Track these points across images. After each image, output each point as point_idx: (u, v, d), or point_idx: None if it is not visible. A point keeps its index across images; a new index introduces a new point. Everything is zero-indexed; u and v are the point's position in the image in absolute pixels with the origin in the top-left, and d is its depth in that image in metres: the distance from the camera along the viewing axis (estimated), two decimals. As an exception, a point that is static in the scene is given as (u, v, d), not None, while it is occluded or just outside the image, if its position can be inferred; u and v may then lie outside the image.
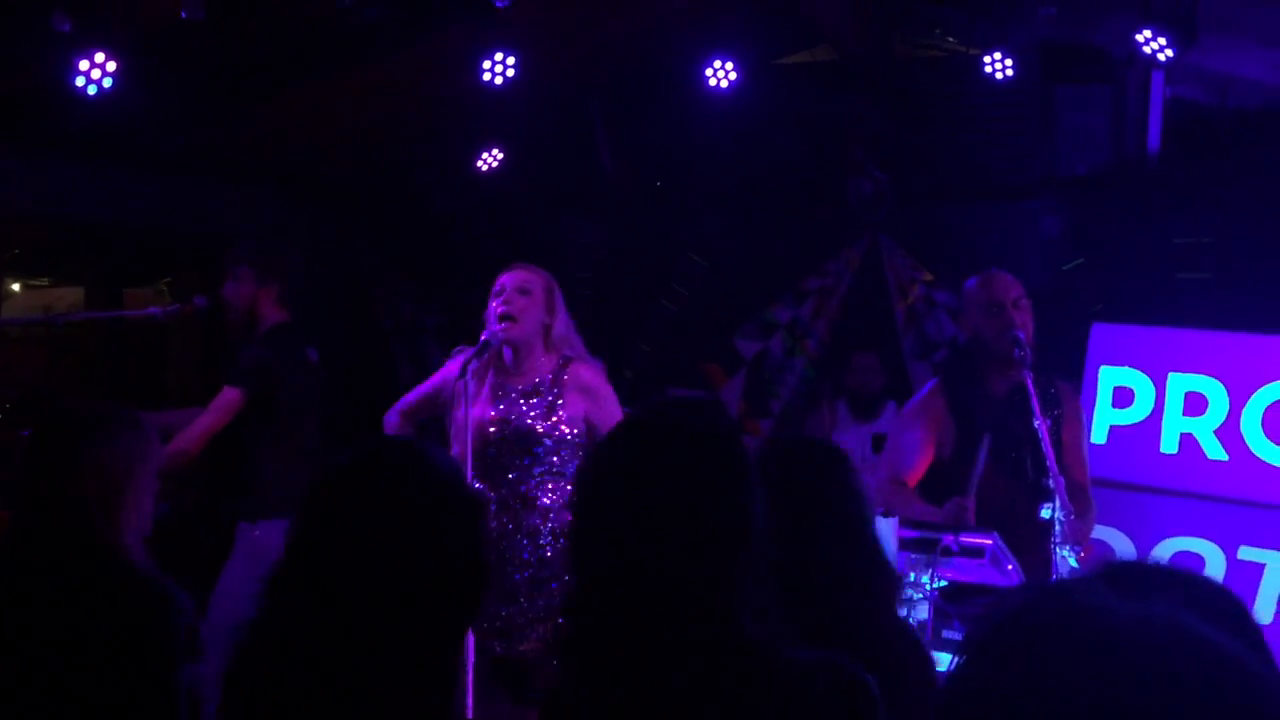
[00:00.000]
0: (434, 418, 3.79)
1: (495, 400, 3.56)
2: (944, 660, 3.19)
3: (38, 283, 7.52)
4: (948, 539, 3.15)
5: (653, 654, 1.58)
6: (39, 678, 2.17)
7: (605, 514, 1.66)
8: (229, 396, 3.98)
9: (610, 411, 3.58)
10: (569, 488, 3.53)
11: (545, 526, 3.52)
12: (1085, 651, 0.74)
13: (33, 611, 2.23)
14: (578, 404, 3.56)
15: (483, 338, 3.53)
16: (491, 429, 3.54)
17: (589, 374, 3.61)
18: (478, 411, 3.50)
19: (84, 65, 4.78)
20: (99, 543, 2.29)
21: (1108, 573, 0.85)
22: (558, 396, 3.55)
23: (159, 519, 2.50)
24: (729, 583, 1.60)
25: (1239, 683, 0.72)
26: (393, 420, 3.76)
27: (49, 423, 2.43)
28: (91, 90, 4.82)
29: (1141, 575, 0.85)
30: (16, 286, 7.34)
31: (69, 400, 2.75)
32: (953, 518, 3.38)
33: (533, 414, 3.54)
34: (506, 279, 3.62)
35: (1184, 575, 0.87)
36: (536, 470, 3.53)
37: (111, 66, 4.81)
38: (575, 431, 3.56)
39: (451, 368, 3.62)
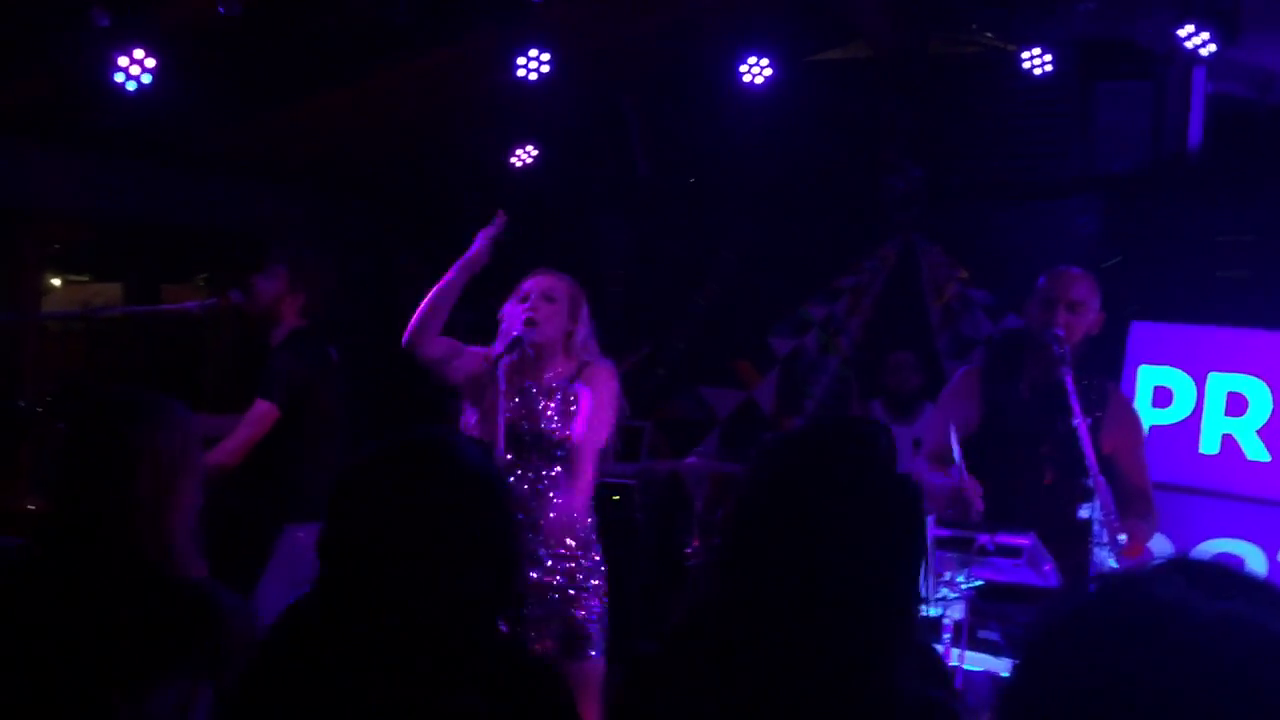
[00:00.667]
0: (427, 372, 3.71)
1: (512, 397, 3.55)
2: (978, 660, 3.16)
3: (78, 279, 7.61)
4: (983, 538, 3.12)
5: (764, 675, 1.52)
6: (68, 694, 1.92)
7: (766, 533, 1.57)
8: (262, 409, 4.02)
9: (601, 413, 3.54)
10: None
11: (548, 530, 3.51)
12: (1168, 652, 0.70)
13: (70, 620, 1.96)
14: (587, 402, 3.56)
15: (514, 334, 3.52)
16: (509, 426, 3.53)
17: (602, 374, 3.60)
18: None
19: (123, 61, 4.82)
20: (145, 545, 2.03)
21: (1180, 566, 0.80)
22: (574, 400, 3.55)
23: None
24: (877, 619, 1.52)
25: None
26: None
27: (96, 408, 2.10)
28: (131, 86, 4.85)
29: (1215, 573, 0.80)
30: (57, 282, 7.42)
31: (112, 388, 2.48)
32: (953, 494, 3.31)
33: (549, 415, 3.54)
34: (532, 284, 3.62)
35: (1248, 574, 0.83)
36: (549, 470, 3.53)
37: (151, 63, 4.84)
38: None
39: (488, 351, 3.59)
